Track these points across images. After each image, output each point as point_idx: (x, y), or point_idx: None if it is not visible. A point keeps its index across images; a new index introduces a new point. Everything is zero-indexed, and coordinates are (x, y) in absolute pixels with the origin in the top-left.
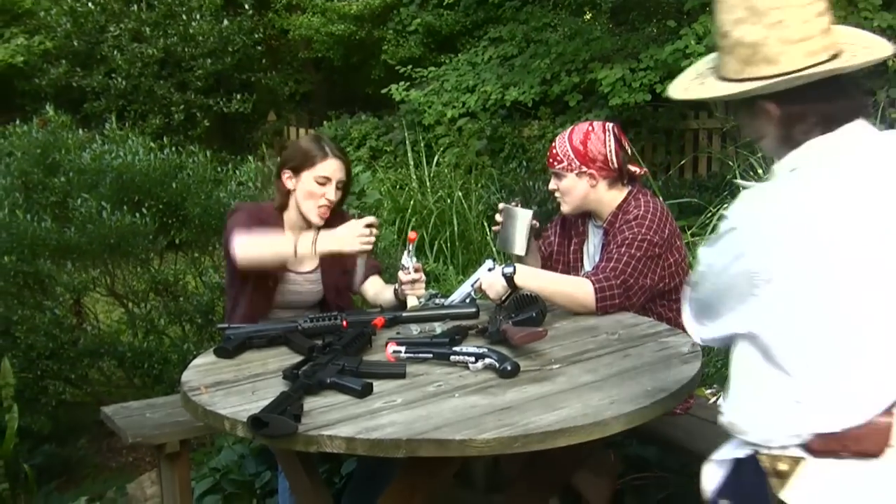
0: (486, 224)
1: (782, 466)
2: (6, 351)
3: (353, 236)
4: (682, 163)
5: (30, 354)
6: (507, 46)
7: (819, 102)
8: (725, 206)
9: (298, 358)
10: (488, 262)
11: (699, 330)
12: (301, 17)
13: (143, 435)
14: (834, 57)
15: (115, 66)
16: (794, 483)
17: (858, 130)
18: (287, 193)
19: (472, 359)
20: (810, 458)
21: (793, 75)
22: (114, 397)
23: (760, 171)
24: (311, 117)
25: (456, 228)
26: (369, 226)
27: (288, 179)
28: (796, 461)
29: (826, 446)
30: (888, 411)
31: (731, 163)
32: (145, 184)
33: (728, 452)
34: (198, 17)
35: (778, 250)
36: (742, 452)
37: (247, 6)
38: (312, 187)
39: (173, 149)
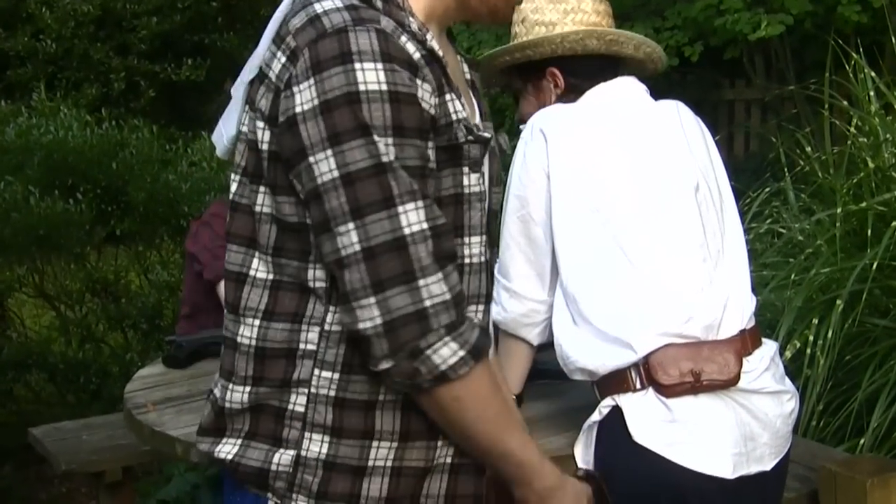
0: None
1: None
2: None
3: None
4: (716, 139)
5: None
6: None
7: (596, 76)
8: (768, 189)
9: None
10: None
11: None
12: None
13: (78, 461)
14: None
15: (44, 26)
16: (648, 427)
17: (630, 82)
18: None
19: None
20: (661, 403)
21: (570, 34)
22: (44, 417)
23: (809, 148)
24: None
25: None
26: None
27: None
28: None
29: (667, 370)
30: (733, 338)
31: (773, 139)
32: (80, 164)
33: (587, 422)
34: None
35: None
36: (598, 416)
37: None
38: None
39: (113, 123)
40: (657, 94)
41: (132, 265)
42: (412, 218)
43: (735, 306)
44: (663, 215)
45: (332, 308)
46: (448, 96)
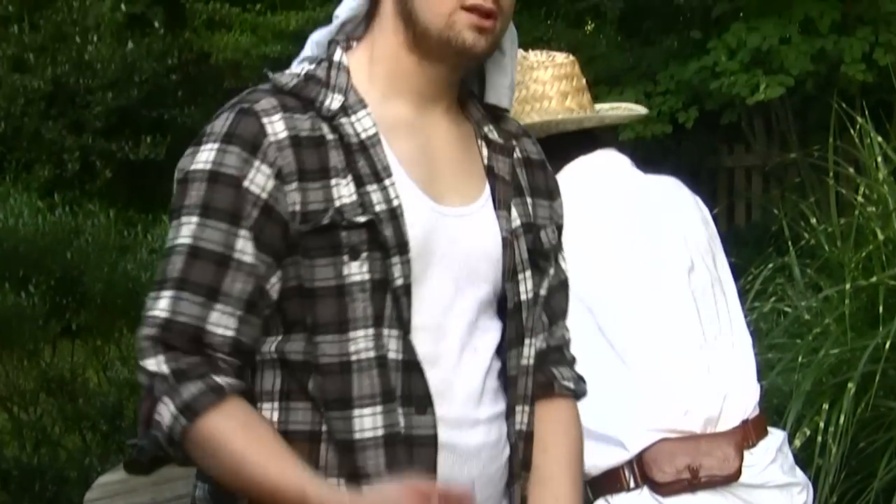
0: None
1: None
2: None
3: None
4: (715, 211)
5: None
6: None
7: (569, 152)
8: (771, 265)
9: None
10: None
11: None
12: (226, 35)
13: None
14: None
15: None
16: None
17: (611, 156)
18: None
19: None
20: (657, 503)
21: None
22: None
23: (814, 219)
24: None
25: None
26: None
27: None
28: None
29: (662, 467)
30: (734, 430)
31: (776, 210)
32: (32, 254)
33: None
34: (95, 39)
35: None
36: None
37: (157, 24)
38: None
39: (67, 208)
40: (651, 162)
41: (90, 361)
42: (160, 305)
43: (737, 395)
44: (653, 301)
45: (278, 382)
46: (335, 181)
